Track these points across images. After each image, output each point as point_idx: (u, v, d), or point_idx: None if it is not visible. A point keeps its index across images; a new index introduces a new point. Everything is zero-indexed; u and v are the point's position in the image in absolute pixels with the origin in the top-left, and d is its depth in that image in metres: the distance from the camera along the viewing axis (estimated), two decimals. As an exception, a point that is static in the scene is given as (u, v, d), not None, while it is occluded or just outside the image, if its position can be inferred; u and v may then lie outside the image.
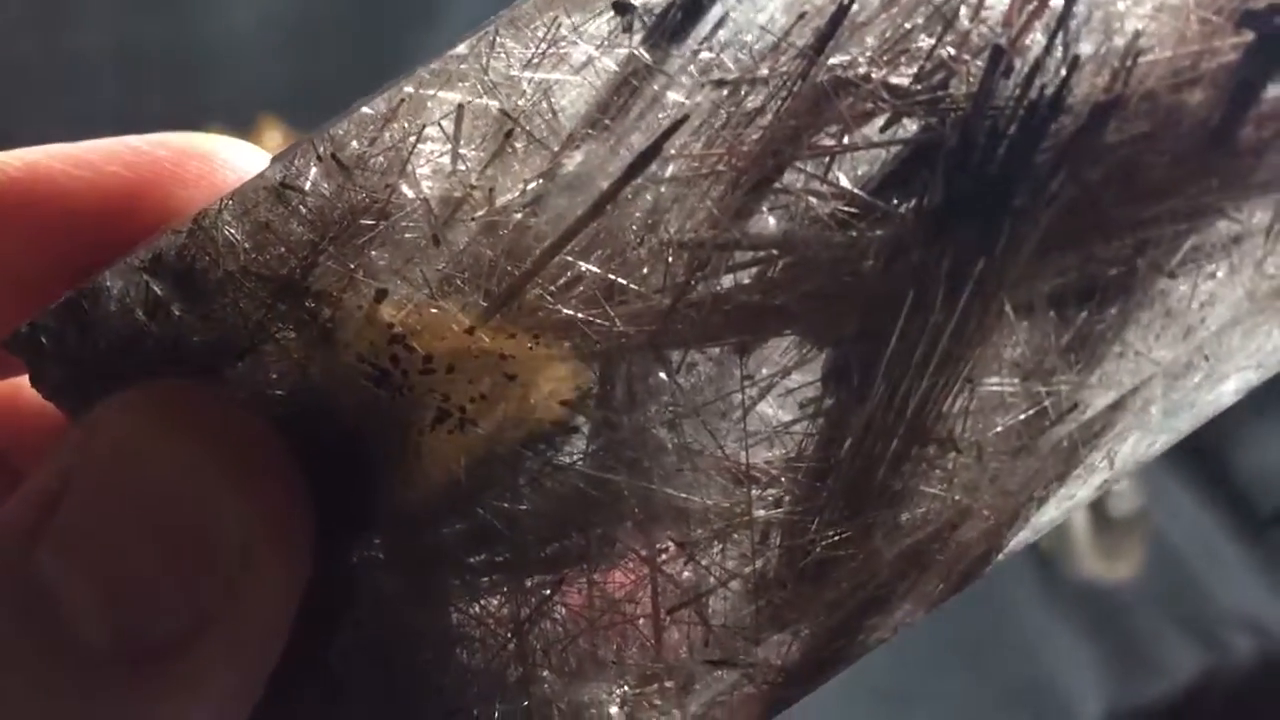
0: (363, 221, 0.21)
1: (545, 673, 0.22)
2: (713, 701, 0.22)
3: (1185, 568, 0.98)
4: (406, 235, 0.21)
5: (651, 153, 0.21)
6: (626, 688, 0.22)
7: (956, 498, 0.21)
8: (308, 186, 0.21)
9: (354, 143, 0.21)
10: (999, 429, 0.21)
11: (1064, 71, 0.19)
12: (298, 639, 0.21)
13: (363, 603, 0.22)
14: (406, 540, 0.22)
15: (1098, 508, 0.99)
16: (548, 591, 0.22)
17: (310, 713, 0.23)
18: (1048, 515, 0.23)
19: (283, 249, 0.21)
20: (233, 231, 0.21)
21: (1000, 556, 0.23)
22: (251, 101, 0.97)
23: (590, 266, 0.21)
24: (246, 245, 0.21)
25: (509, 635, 0.22)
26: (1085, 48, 0.19)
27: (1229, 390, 0.23)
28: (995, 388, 0.21)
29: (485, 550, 0.22)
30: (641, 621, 0.22)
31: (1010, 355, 0.21)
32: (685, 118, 0.21)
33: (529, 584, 0.22)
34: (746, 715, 0.23)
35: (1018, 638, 0.95)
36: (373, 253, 0.21)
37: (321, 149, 0.21)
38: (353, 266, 0.21)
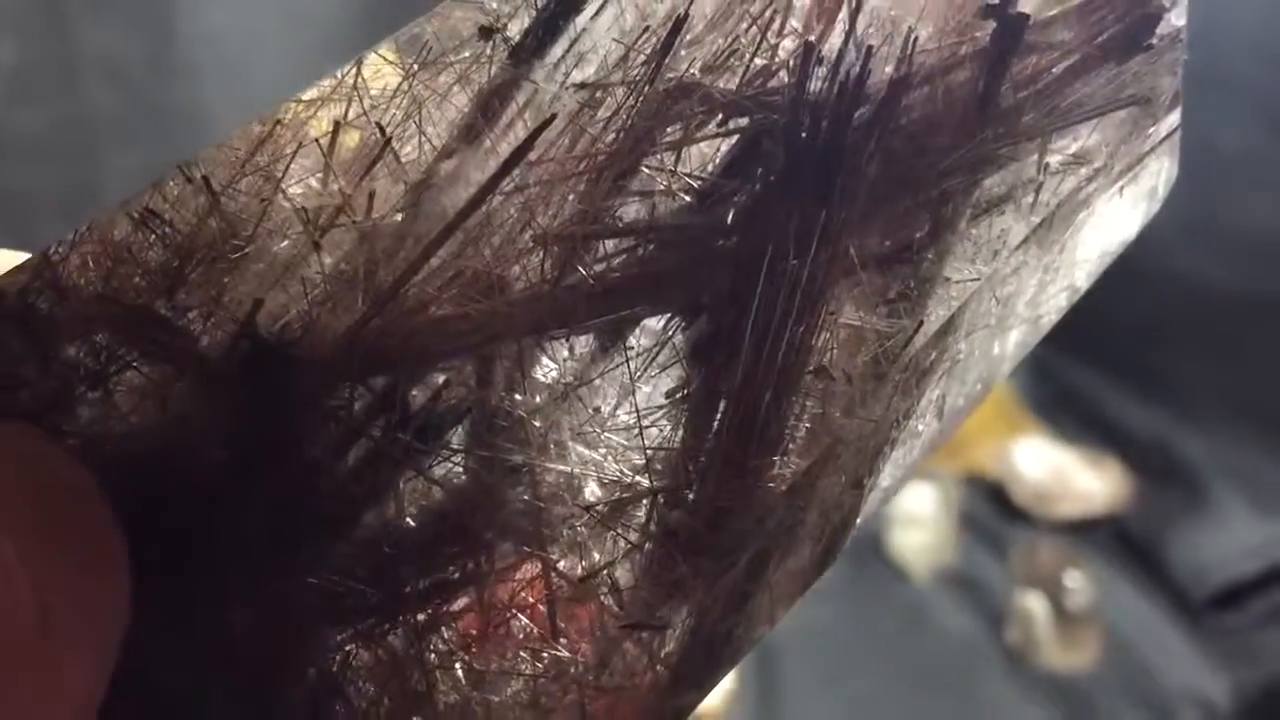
0: (233, 242, 0.20)
1: (449, 695, 0.21)
2: (620, 684, 0.21)
3: (1136, 654, 1.03)
4: (280, 250, 0.20)
5: (523, 150, 0.20)
6: (542, 682, 0.21)
7: (839, 418, 0.22)
8: (171, 213, 0.20)
9: (224, 165, 0.20)
10: (862, 357, 0.22)
11: (861, 59, 0.21)
12: (134, 709, 0.19)
13: (214, 655, 0.20)
14: (274, 579, 0.20)
15: (1056, 605, 1.08)
16: (433, 611, 0.21)
17: None
18: (886, 481, 0.24)
19: (139, 279, 0.19)
20: (86, 265, 0.19)
21: (859, 520, 0.24)
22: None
23: (468, 262, 0.20)
24: (99, 276, 0.19)
25: (400, 666, 0.20)
26: (874, 42, 0.21)
27: (1011, 342, 0.25)
28: (853, 323, 0.22)
29: (358, 593, 0.20)
30: (542, 615, 0.21)
31: (857, 295, 0.22)
32: (553, 117, 0.21)
33: (414, 600, 0.21)
34: (646, 702, 0.22)
35: (992, 721, 1.00)
36: (246, 272, 0.20)
37: (191, 172, 0.20)
38: (225, 281, 0.20)
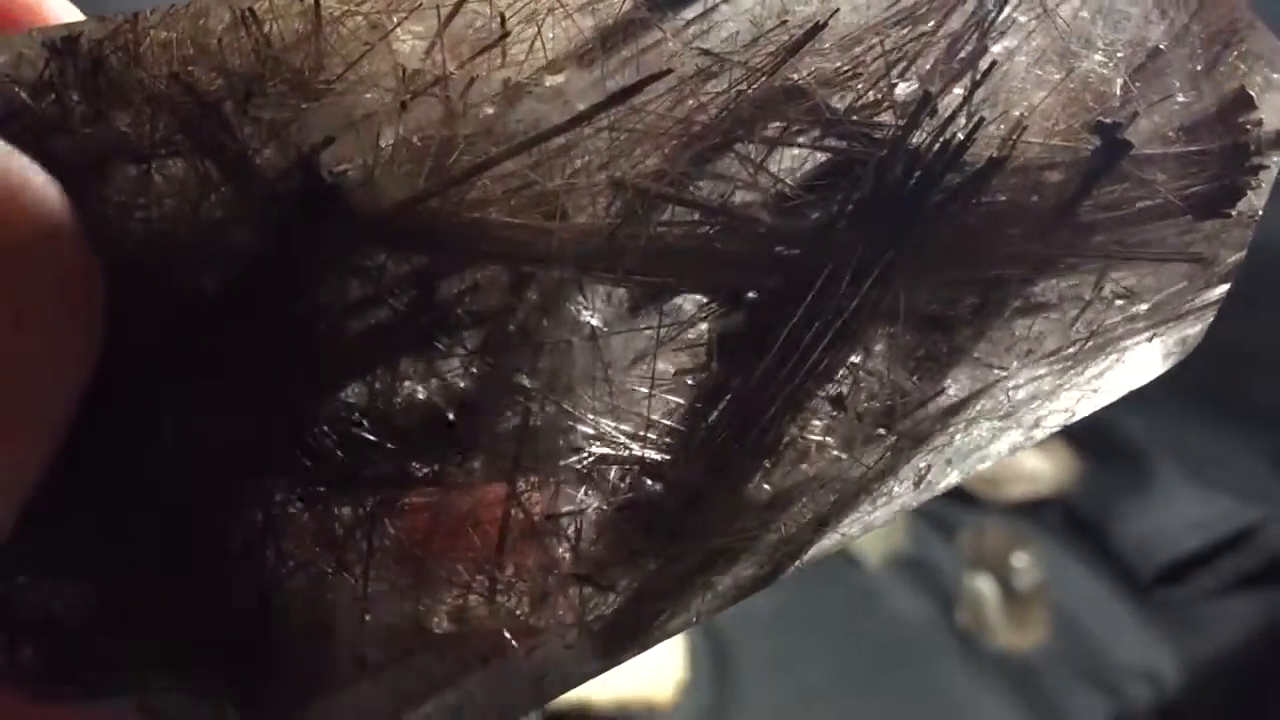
0: (322, 76, 0.19)
1: (378, 584, 0.21)
2: (545, 630, 0.21)
3: (1084, 631, 1.04)
4: (366, 99, 0.19)
5: (630, 91, 0.20)
6: (474, 600, 0.21)
7: (833, 451, 0.22)
8: (271, 23, 0.19)
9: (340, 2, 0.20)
10: (876, 402, 0.22)
11: (971, 125, 0.21)
12: (87, 456, 0.18)
13: (174, 457, 0.20)
14: (247, 408, 0.20)
15: (1005, 586, 1.07)
16: (388, 497, 0.21)
17: (81, 548, 0.20)
18: (844, 529, 0.24)
19: (218, 77, 0.19)
20: (170, 42, 0.19)
21: (806, 558, 0.24)
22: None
23: (539, 179, 0.20)
24: (181, 57, 0.19)
25: (341, 533, 0.20)
26: (987, 114, 0.22)
27: (1003, 442, 0.25)
28: (880, 369, 0.22)
29: (340, 450, 0.20)
30: (493, 534, 0.21)
31: (889, 345, 0.22)
32: (668, 71, 0.21)
33: (374, 480, 0.21)
34: (576, 662, 0.22)
35: (945, 706, 1.00)
36: (325, 109, 0.19)
37: None
38: (302, 109, 0.19)
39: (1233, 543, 1.08)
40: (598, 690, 0.97)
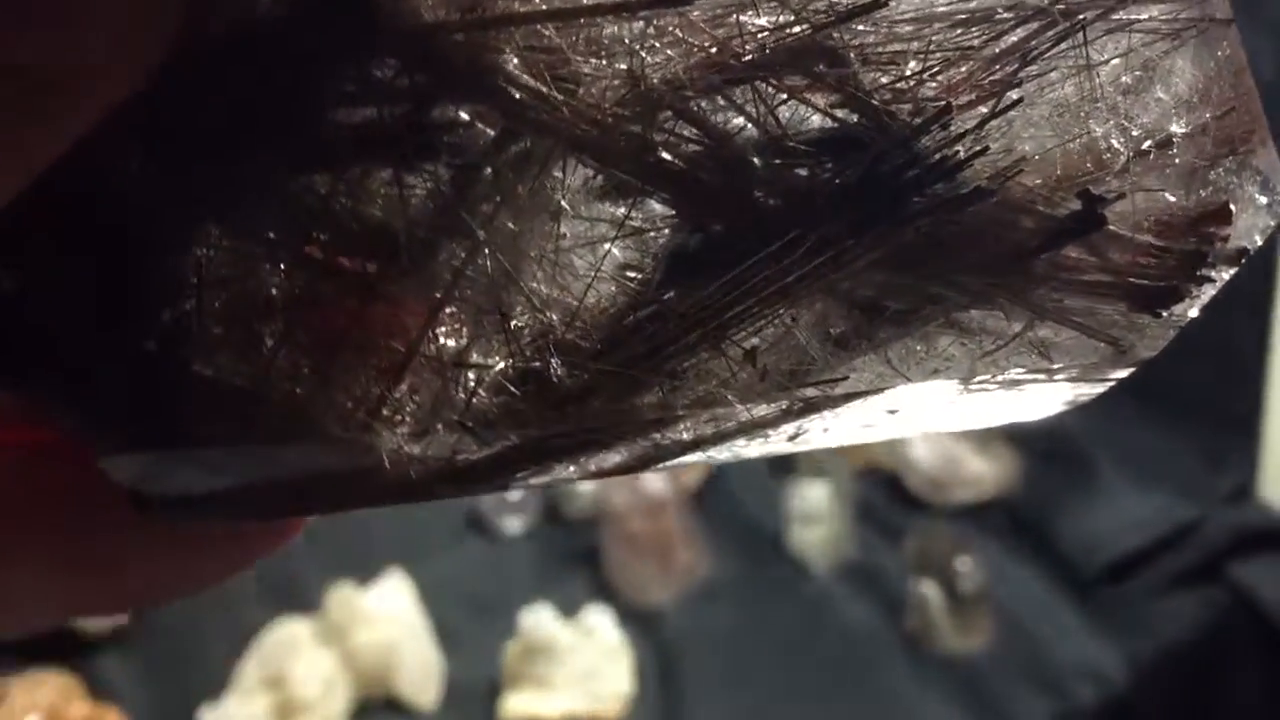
0: None
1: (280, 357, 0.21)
2: (425, 455, 0.23)
3: (1029, 632, 1.04)
4: None
5: None
6: (362, 409, 0.22)
7: (730, 396, 0.23)
8: None
9: None
10: (784, 367, 0.23)
11: (975, 150, 0.22)
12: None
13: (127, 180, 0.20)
14: (220, 158, 0.20)
15: (949, 590, 1.07)
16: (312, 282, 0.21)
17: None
18: (713, 454, 0.25)
19: None
20: None
21: (676, 462, 0.25)
22: None
23: (562, 39, 0.20)
24: None
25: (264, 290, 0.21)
26: (992, 146, 0.22)
27: (882, 431, 0.27)
28: (797, 332, 0.23)
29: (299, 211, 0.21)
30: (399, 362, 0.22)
31: (815, 319, 0.23)
32: None
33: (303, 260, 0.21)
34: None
35: (893, 713, 1.01)
36: None
37: None
38: None
39: (1173, 540, 1.09)
40: (544, 705, 0.96)
